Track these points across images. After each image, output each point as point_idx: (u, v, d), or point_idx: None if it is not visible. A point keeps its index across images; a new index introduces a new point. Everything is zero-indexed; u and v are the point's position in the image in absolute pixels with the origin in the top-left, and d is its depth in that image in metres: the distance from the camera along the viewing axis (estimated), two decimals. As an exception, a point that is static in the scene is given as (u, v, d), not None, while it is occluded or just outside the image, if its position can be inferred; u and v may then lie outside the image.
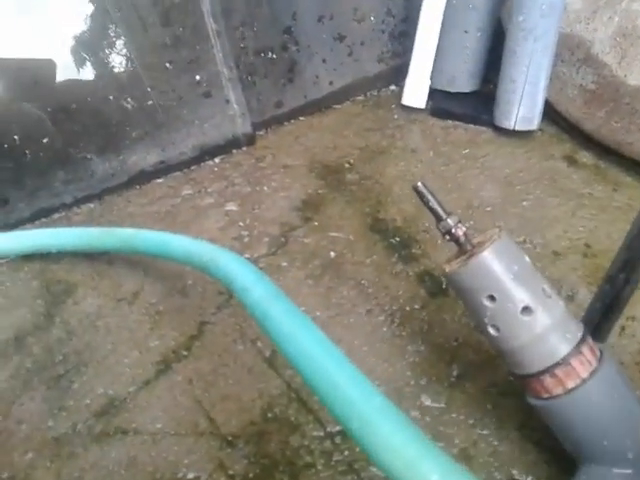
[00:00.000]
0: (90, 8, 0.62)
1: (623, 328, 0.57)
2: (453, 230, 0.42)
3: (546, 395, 0.41)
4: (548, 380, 0.40)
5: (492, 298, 0.40)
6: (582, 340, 0.41)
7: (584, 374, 0.40)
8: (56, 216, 0.73)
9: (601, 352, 0.42)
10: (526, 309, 0.40)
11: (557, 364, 0.39)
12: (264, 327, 0.35)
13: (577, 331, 0.41)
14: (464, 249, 0.43)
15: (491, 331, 0.41)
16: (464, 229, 0.43)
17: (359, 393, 0.28)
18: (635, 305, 0.58)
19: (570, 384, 0.39)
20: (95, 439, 0.50)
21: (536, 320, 0.40)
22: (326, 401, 0.29)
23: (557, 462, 0.47)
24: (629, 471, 0.40)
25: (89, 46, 0.64)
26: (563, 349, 0.40)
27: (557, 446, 0.43)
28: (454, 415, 0.51)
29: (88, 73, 0.65)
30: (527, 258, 0.42)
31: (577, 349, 0.40)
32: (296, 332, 0.33)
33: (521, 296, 0.40)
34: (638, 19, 0.71)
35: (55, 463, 0.48)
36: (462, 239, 0.43)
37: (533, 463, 0.47)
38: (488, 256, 0.40)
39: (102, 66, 0.66)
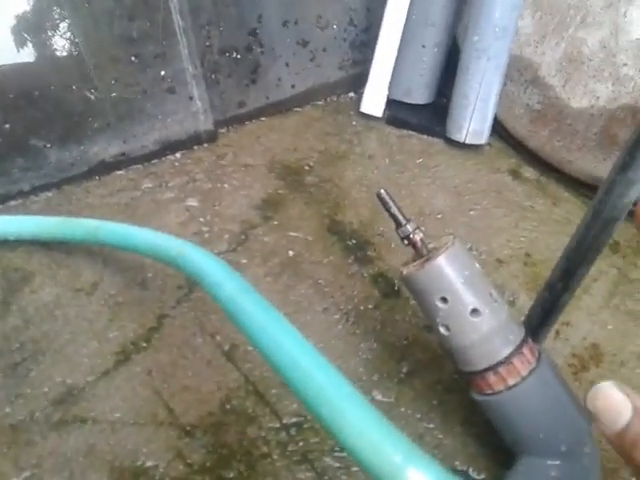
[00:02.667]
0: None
1: (558, 332, 0.61)
2: (411, 235, 0.45)
3: (489, 391, 0.44)
4: (492, 377, 0.44)
5: (444, 300, 0.43)
6: (523, 341, 0.44)
7: (524, 372, 0.43)
8: (13, 203, 0.71)
9: (539, 353, 0.46)
10: (475, 311, 0.43)
11: (500, 363, 0.43)
12: (236, 321, 0.37)
13: (519, 333, 0.45)
14: (420, 253, 0.46)
15: (442, 330, 0.44)
16: (421, 235, 0.46)
17: (329, 382, 0.31)
18: (569, 312, 0.64)
19: (511, 381, 0.43)
20: (53, 427, 0.50)
21: (483, 321, 0.43)
22: (297, 389, 0.31)
23: (496, 455, 0.50)
24: (559, 462, 0.45)
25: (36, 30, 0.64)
26: (506, 349, 0.43)
27: (496, 440, 0.47)
28: (402, 409, 0.54)
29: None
30: (477, 265, 0.46)
31: (519, 349, 0.44)
32: (268, 325, 0.35)
33: (471, 299, 0.43)
34: (582, 46, 0.77)
35: (12, 450, 0.48)
36: (419, 244, 0.46)
37: (474, 455, 0.51)
38: (443, 261, 0.43)
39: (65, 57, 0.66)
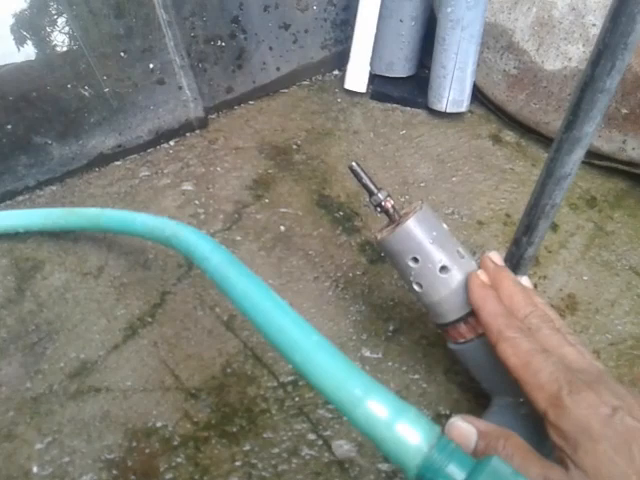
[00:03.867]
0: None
1: (535, 286, 0.65)
2: (383, 203, 0.49)
3: (462, 340, 0.49)
4: (463, 327, 0.48)
5: (415, 260, 0.48)
6: (491, 292, 0.49)
7: (491, 320, 0.48)
8: (20, 198, 0.76)
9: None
10: (443, 268, 0.47)
11: (469, 313, 0.47)
12: (222, 289, 0.42)
13: (487, 286, 0.49)
14: (392, 219, 0.50)
15: (416, 287, 0.49)
16: (392, 202, 0.50)
17: (300, 332, 0.35)
18: (547, 266, 0.68)
19: (480, 329, 0.47)
20: (71, 397, 0.55)
21: (452, 277, 0.47)
22: (275, 342, 0.36)
23: (476, 399, 0.55)
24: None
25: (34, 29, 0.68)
26: (475, 301, 0.48)
27: (476, 386, 0.51)
28: (390, 364, 0.58)
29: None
30: (445, 225, 0.50)
31: (486, 300, 0.48)
32: (249, 290, 0.39)
33: (439, 257, 0.47)
34: (552, 10, 0.79)
35: (35, 419, 0.54)
36: (391, 211, 0.50)
37: (456, 401, 0.56)
38: (411, 224, 0.47)
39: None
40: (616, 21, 0.38)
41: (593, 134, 0.44)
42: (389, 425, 0.31)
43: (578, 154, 0.45)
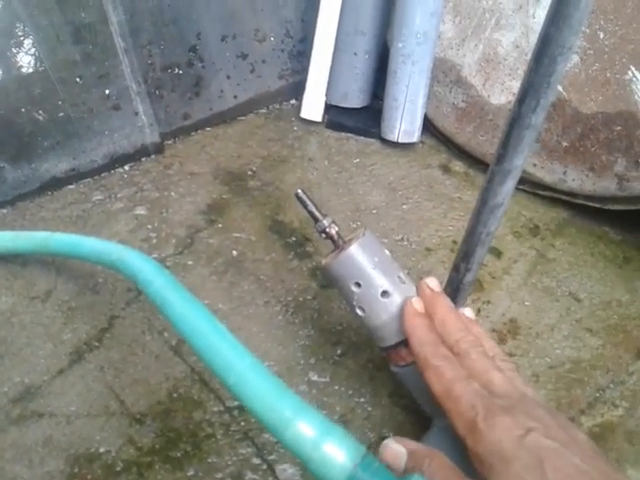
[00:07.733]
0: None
1: (479, 310, 0.67)
2: (327, 229, 0.51)
3: (403, 363, 0.50)
4: (404, 350, 0.49)
5: (358, 284, 0.49)
6: (429, 317, 0.50)
7: (430, 344, 0.49)
8: (-32, 221, 0.75)
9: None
10: (385, 293, 0.49)
11: (410, 337, 0.49)
12: (162, 311, 0.42)
13: (426, 310, 0.51)
14: (337, 245, 0.51)
15: (359, 312, 0.50)
16: (337, 228, 0.51)
17: (235, 355, 0.36)
18: (491, 292, 0.70)
19: (420, 354, 0.49)
20: (13, 422, 0.54)
21: (392, 302, 0.49)
22: (210, 364, 0.37)
23: (420, 421, 0.56)
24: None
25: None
26: (414, 325, 0.49)
27: (419, 408, 0.52)
28: (336, 387, 0.59)
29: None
30: (387, 251, 0.51)
31: (426, 324, 0.49)
32: (187, 312, 0.40)
33: (381, 282, 0.49)
34: (498, 47, 0.83)
35: (-25, 445, 0.53)
36: (335, 237, 0.51)
37: (400, 423, 0.57)
38: (354, 250, 0.49)
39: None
40: (539, 62, 0.41)
41: (522, 166, 0.47)
42: (316, 445, 0.32)
43: (509, 185, 0.48)
